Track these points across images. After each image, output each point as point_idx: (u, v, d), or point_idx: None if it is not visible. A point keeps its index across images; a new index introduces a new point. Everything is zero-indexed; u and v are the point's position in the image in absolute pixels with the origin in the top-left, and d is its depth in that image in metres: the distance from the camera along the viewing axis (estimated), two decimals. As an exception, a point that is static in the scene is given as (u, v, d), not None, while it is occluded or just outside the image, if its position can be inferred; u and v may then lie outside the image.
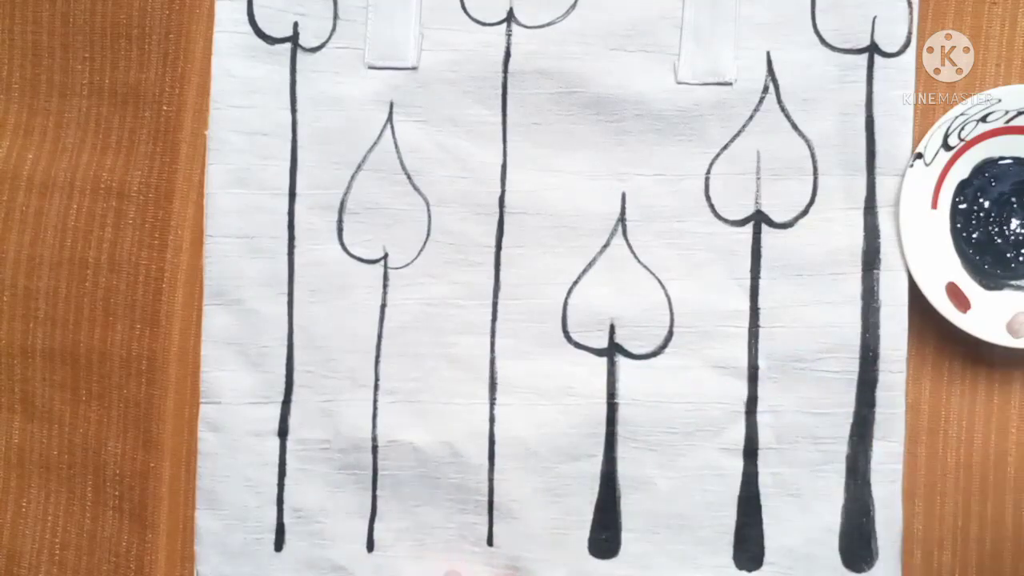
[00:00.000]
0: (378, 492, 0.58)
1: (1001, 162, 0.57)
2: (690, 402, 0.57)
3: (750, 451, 0.57)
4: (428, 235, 0.58)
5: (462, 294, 0.58)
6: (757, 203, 0.57)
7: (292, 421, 0.58)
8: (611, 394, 0.57)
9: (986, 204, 0.57)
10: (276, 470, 0.58)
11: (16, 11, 0.60)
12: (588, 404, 0.57)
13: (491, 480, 0.58)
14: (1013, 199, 0.57)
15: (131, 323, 0.59)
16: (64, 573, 0.59)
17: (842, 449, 0.57)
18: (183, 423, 0.59)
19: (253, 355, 0.58)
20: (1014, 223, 0.57)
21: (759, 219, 0.57)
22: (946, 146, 0.56)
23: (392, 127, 0.58)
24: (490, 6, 0.58)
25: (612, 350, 0.57)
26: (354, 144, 0.58)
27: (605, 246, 0.58)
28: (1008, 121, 0.56)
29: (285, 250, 0.58)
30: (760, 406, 0.57)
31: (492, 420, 0.57)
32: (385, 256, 0.58)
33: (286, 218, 0.58)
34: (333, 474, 0.58)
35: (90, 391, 0.59)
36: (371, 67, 0.58)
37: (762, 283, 0.57)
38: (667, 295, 0.57)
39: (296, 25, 0.58)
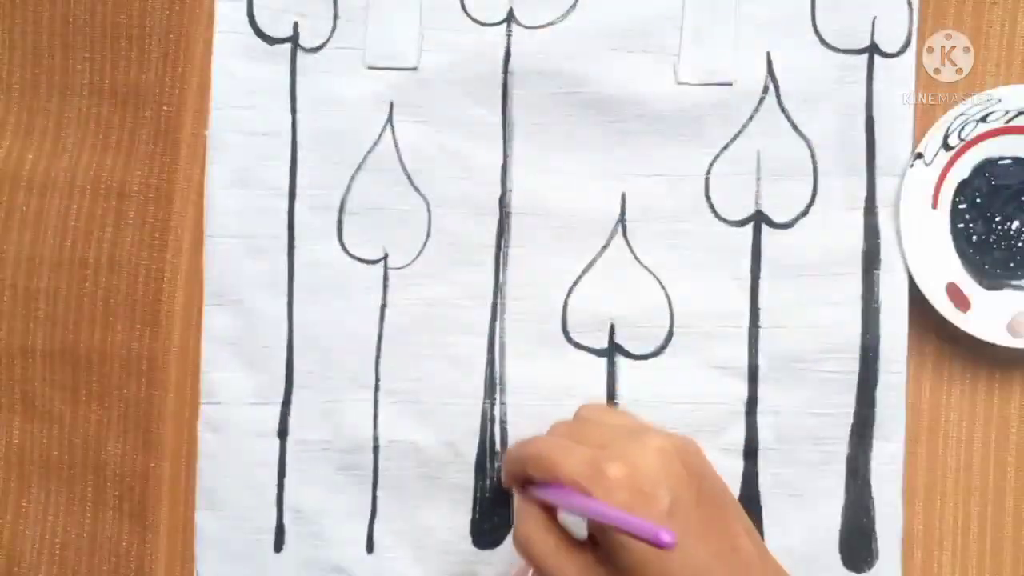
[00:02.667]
0: (378, 493, 0.58)
1: (1001, 162, 0.57)
2: (690, 402, 0.57)
3: (750, 451, 0.57)
4: (428, 235, 0.58)
5: (462, 294, 0.58)
6: (757, 203, 0.57)
7: (292, 421, 0.58)
8: (611, 395, 0.57)
9: (986, 204, 0.57)
10: (276, 471, 0.58)
11: (16, 11, 0.60)
12: (588, 404, 0.57)
13: (492, 480, 0.58)
14: (1013, 199, 0.57)
15: (131, 323, 0.59)
16: (64, 573, 0.59)
17: (842, 449, 0.57)
18: (183, 423, 0.59)
19: (253, 355, 0.58)
20: (1014, 223, 0.57)
21: (759, 219, 0.57)
22: (946, 146, 0.56)
23: (392, 127, 0.58)
24: (490, 6, 0.58)
25: (612, 350, 0.57)
26: (354, 144, 0.58)
27: (605, 247, 0.58)
28: (1008, 121, 0.56)
29: (285, 250, 0.58)
30: (760, 406, 0.57)
31: (492, 420, 0.57)
32: (385, 256, 0.58)
33: (286, 218, 0.58)
34: (333, 475, 0.58)
35: (90, 391, 0.59)
36: (371, 67, 0.58)
37: (762, 283, 0.57)
38: (667, 295, 0.57)
39: (296, 25, 0.58)
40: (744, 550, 0.45)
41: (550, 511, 0.46)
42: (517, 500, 0.48)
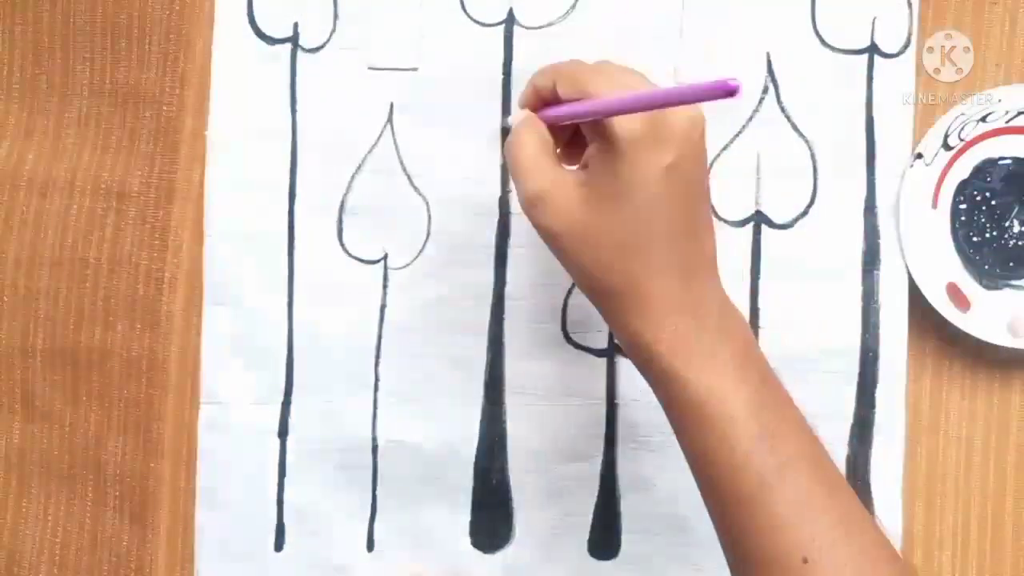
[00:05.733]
0: (378, 492, 0.58)
1: (1001, 162, 0.57)
2: (690, 402, 0.57)
3: (750, 451, 0.57)
4: (428, 236, 0.58)
5: (462, 294, 0.58)
6: (757, 203, 0.57)
7: (292, 421, 0.58)
8: (611, 395, 0.57)
9: (986, 204, 0.57)
10: (276, 470, 0.58)
11: (16, 11, 0.60)
12: (588, 405, 0.57)
13: (492, 481, 0.58)
14: (1013, 199, 0.57)
15: (131, 323, 0.59)
16: (64, 573, 0.59)
17: (842, 450, 0.57)
18: (183, 423, 0.59)
19: (253, 355, 0.58)
20: (1014, 223, 0.57)
21: (759, 219, 0.57)
22: (946, 146, 0.56)
23: (392, 128, 0.58)
24: (490, 7, 0.58)
25: (612, 351, 0.57)
26: (354, 144, 0.58)
27: (605, 247, 0.58)
28: (1008, 121, 0.56)
29: (285, 250, 0.58)
30: (760, 406, 0.57)
31: (492, 420, 0.57)
32: (385, 256, 0.58)
33: (286, 218, 0.58)
34: (333, 474, 0.58)
35: (90, 391, 0.59)
36: (371, 68, 0.58)
37: (762, 283, 0.57)
38: (667, 295, 0.57)
39: (296, 25, 0.58)
40: (706, 244, 0.45)
41: (552, 135, 0.46)
42: (521, 116, 0.47)
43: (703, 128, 0.44)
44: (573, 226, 0.44)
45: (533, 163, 0.45)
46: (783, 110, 0.57)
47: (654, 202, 0.43)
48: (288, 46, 0.58)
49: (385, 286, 0.58)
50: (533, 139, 0.45)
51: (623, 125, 0.42)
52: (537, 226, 0.45)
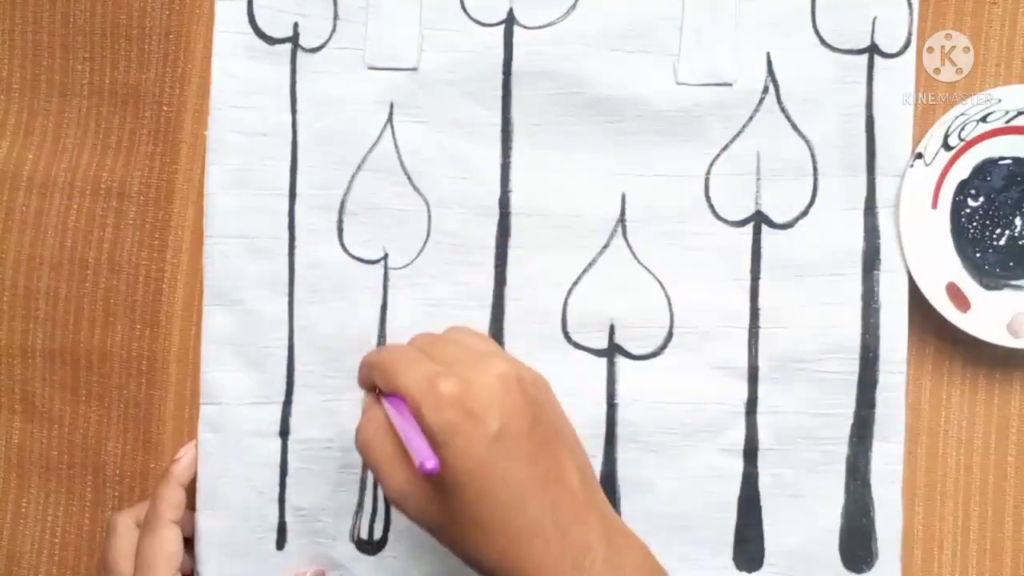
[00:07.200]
0: (379, 491, 0.58)
1: (1001, 162, 0.57)
2: (690, 403, 0.57)
3: (750, 452, 0.57)
4: (428, 236, 0.58)
5: (462, 295, 0.58)
6: (757, 203, 0.57)
7: (293, 421, 0.58)
8: (611, 395, 0.57)
9: (986, 204, 0.57)
10: (277, 470, 0.58)
11: (16, 11, 0.60)
12: (588, 405, 0.57)
13: (491, 480, 0.58)
14: (1013, 199, 0.57)
15: (131, 323, 0.59)
16: (64, 573, 0.59)
17: (842, 450, 0.57)
18: (183, 423, 0.59)
19: (253, 355, 0.58)
20: (1015, 223, 0.57)
21: (759, 219, 0.57)
22: (946, 146, 0.56)
23: (392, 128, 0.58)
24: (490, 6, 0.58)
25: (612, 351, 0.57)
26: (354, 144, 0.58)
27: (605, 247, 0.58)
28: (1008, 121, 0.56)
29: (285, 250, 0.58)
30: (760, 407, 0.57)
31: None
32: (385, 256, 0.58)
33: (286, 218, 0.58)
34: (335, 473, 0.58)
35: (90, 391, 0.59)
36: (371, 68, 0.58)
37: (762, 283, 0.57)
38: (667, 296, 0.57)
39: (296, 25, 0.58)
40: (569, 482, 0.45)
41: None
42: (365, 402, 0.48)
43: (516, 379, 0.45)
44: (437, 520, 0.45)
45: (388, 465, 0.45)
46: (783, 110, 0.57)
47: (497, 476, 0.43)
48: (288, 46, 0.58)
49: (385, 287, 0.58)
50: (382, 440, 0.46)
51: (432, 419, 0.43)
52: (409, 519, 0.46)
